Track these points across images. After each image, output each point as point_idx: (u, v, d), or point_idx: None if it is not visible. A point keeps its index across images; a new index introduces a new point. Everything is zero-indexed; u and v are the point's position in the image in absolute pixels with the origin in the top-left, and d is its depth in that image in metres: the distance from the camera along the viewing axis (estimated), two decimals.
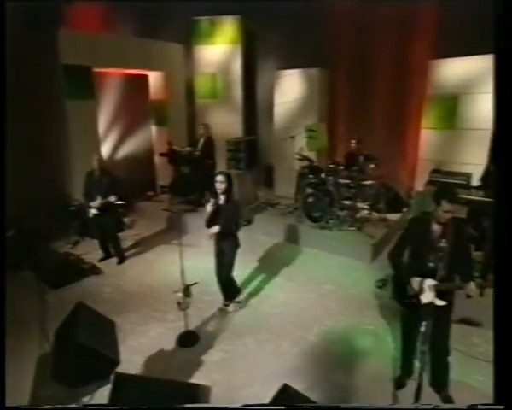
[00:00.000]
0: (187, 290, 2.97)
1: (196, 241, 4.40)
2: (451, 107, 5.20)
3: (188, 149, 5.79)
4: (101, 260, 4.61)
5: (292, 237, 5.10)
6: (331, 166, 5.16)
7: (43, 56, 4.97)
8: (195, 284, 3.09)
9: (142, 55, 6.17)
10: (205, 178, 5.30)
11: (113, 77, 6.27)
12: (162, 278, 4.09)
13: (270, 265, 4.43)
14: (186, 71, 7.03)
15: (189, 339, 3.05)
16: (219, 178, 2.98)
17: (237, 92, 7.16)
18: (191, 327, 3.13)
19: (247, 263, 4.29)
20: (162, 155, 5.96)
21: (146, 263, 4.55)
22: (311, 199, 5.07)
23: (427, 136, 5.53)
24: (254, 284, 3.99)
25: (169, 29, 6.48)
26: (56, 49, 4.96)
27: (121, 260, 4.61)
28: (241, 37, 6.93)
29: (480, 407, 1.41)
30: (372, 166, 4.98)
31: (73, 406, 2.16)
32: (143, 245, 5.05)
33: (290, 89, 6.43)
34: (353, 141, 5.31)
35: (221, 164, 5.90)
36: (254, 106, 7.47)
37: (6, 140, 2.28)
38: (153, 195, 6.68)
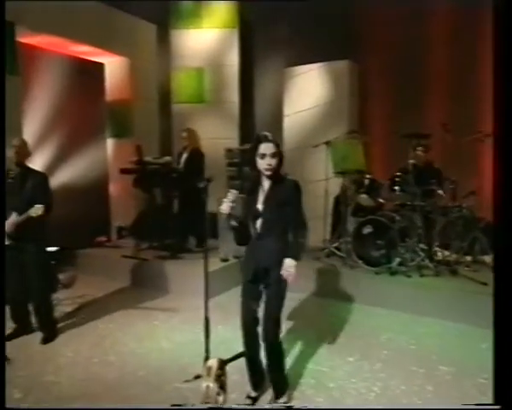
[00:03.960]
0: (220, 376, 2.13)
1: (184, 303, 4.14)
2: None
3: (167, 158, 5.12)
4: (10, 337, 3.45)
5: (340, 290, 4.45)
6: (398, 179, 4.59)
7: None
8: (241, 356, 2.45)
9: (98, 29, 5.74)
10: (192, 208, 4.92)
11: (49, 57, 5.72)
12: (130, 368, 3.07)
13: (321, 334, 3.53)
14: (161, 62, 6.73)
15: None
16: (266, 147, 2.31)
17: (233, 96, 6.88)
18: None
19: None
20: (125, 171, 5.21)
21: (96, 340, 3.53)
22: (367, 230, 4.50)
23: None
24: (311, 369, 3.04)
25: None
26: None
27: (48, 337, 3.50)
28: (238, 19, 6.79)
29: (477, 406, 2.04)
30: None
31: (74, 406, 2.50)
32: (92, 311, 4.19)
33: (307, 91, 6.33)
34: (420, 148, 4.85)
35: (216, 186, 5.31)
36: (255, 116, 7.28)
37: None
38: (105, 239, 6.00)
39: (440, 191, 4.44)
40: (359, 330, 3.67)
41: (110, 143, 6.53)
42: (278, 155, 2.34)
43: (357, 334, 3.60)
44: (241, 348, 2.55)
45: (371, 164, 5.06)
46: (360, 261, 4.49)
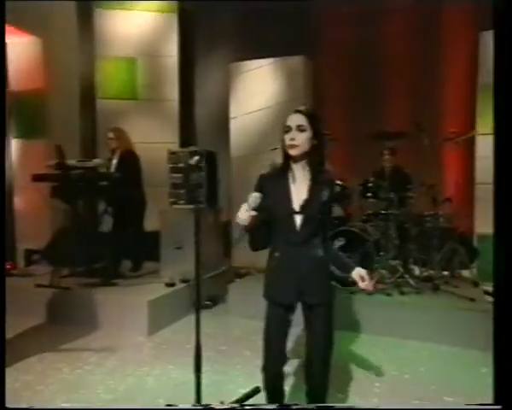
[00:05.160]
0: None
1: (121, 340, 3.84)
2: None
3: (97, 161, 4.72)
4: None
5: None
6: (370, 185, 4.57)
7: None
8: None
9: None
10: (126, 223, 4.80)
11: None
12: None
13: (295, 371, 3.27)
14: (83, 48, 6.31)
15: None
16: (292, 118, 2.07)
17: (172, 92, 6.59)
18: None
19: None
20: (39, 178, 4.67)
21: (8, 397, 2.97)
22: (338, 243, 4.43)
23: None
24: None
25: None
26: None
27: None
28: (177, 4, 6.57)
29: (478, 406, 2.09)
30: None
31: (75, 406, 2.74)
32: None
33: (256, 90, 6.24)
34: (387, 152, 4.93)
35: (155, 197, 5.15)
36: (197, 117, 7.15)
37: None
38: (10, 267, 5.43)
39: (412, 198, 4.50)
40: (340, 361, 3.47)
41: (15, 144, 5.95)
42: (312, 131, 2.03)
43: (339, 365, 3.39)
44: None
45: (338, 169, 5.02)
46: (331, 280, 4.33)
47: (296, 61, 6.05)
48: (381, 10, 5.92)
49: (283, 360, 2.13)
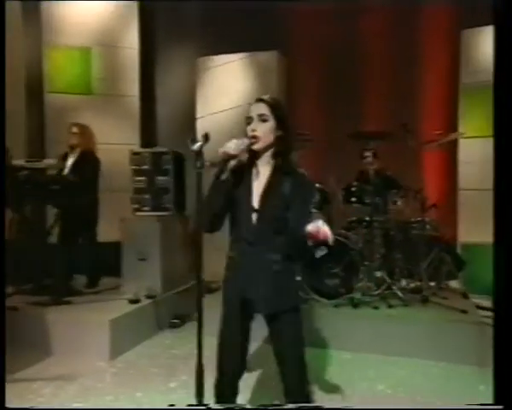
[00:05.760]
0: None
1: (79, 366, 3.62)
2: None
3: (49, 162, 4.49)
4: None
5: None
6: (354, 189, 4.53)
7: None
8: None
9: None
10: (81, 233, 4.73)
11: None
12: None
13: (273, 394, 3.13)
14: (28, 34, 6.03)
15: None
16: (254, 108, 2.08)
17: (132, 88, 6.37)
18: None
19: None
20: None
21: None
22: (320, 253, 4.30)
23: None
24: None
25: None
26: None
27: None
28: None
29: (479, 406, 2.08)
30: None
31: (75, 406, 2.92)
32: None
33: (226, 87, 6.17)
34: (368, 154, 4.89)
35: (114, 203, 5.01)
36: (159, 116, 6.98)
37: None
38: None
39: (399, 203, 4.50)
40: (321, 382, 3.38)
41: None
42: (275, 120, 1.99)
43: (321, 386, 3.31)
44: None
45: (319, 171, 4.99)
46: (313, 293, 4.27)
47: (269, 56, 6.01)
48: (359, 7, 5.99)
49: (239, 374, 2.11)
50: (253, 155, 2.03)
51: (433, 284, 4.54)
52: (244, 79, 6.11)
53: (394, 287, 4.24)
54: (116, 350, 3.80)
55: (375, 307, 4.08)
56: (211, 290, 5.27)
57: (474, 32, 5.19)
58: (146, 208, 4.67)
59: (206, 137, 1.82)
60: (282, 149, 2.02)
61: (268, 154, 2.02)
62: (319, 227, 1.73)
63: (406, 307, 4.11)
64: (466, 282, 4.74)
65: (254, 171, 2.04)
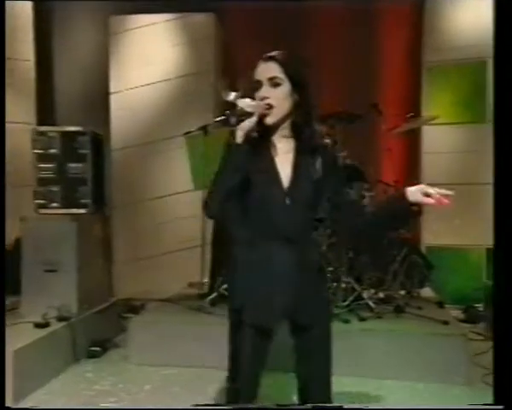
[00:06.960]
0: None
1: None
2: None
3: None
4: None
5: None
6: None
7: None
8: None
9: None
10: None
11: None
12: None
13: None
14: None
15: None
16: (262, 69, 1.91)
17: (25, 51, 5.93)
18: None
19: None
20: None
21: None
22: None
23: None
24: None
25: None
26: None
27: None
28: None
29: (479, 406, 2.25)
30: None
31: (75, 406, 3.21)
32: None
33: (148, 56, 5.96)
34: (328, 139, 4.80)
35: (14, 198, 4.79)
36: (58, 90, 6.56)
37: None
38: None
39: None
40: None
41: None
42: (290, 83, 1.83)
43: None
44: None
45: None
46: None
47: (203, 19, 5.84)
48: None
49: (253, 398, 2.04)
50: (266, 128, 1.86)
51: (403, 292, 4.57)
52: (172, 47, 5.94)
53: (365, 296, 4.18)
54: (22, 389, 3.37)
55: (345, 321, 3.95)
56: (134, 310, 4.99)
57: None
58: (55, 204, 4.26)
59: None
60: (302, 118, 1.87)
61: (285, 125, 1.87)
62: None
63: (379, 318, 4.05)
64: (436, 288, 4.82)
65: (272, 147, 1.88)
